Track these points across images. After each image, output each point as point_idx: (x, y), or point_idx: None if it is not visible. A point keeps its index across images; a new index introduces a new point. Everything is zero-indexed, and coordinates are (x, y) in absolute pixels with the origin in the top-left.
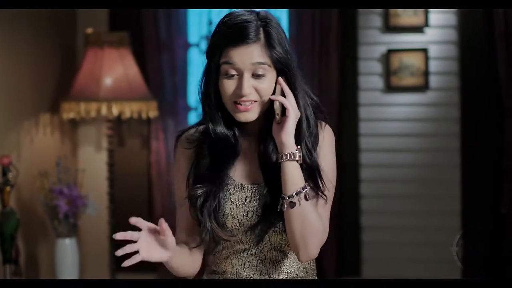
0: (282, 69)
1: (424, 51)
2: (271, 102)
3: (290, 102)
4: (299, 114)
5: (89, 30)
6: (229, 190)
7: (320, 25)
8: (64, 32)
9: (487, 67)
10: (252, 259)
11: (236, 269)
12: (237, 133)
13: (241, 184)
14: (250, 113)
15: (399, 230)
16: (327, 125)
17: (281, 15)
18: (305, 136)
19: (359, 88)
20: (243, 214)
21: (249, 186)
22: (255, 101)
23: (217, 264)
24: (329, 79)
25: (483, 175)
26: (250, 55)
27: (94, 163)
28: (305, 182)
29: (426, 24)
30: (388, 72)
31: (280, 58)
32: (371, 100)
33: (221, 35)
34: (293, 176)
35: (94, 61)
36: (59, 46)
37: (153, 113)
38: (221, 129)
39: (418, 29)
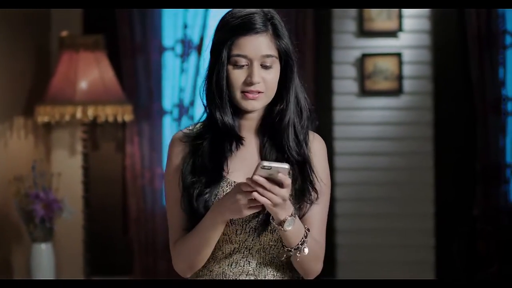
0: (287, 60)
1: (398, 55)
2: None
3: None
4: (279, 202)
5: (64, 33)
6: (222, 187)
7: (295, 29)
8: (37, 35)
9: (460, 72)
10: (240, 259)
11: (222, 268)
12: (238, 126)
13: (234, 182)
14: (257, 102)
15: (374, 233)
16: (316, 134)
17: None
18: (295, 128)
19: (334, 92)
20: None
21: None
22: (261, 92)
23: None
24: (304, 82)
25: (456, 177)
26: (260, 46)
27: (67, 167)
28: (296, 178)
29: (400, 28)
30: (362, 76)
31: (287, 50)
32: (345, 104)
33: (230, 27)
34: (294, 231)
35: (69, 64)
36: (33, 49)
37: (128, 117)
38: (228, 119)
39: (392, 34)
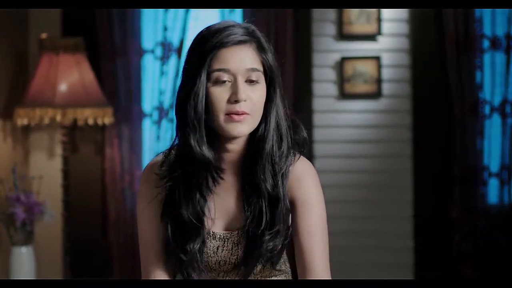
0: (271, 77)
1: (377, 59)
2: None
3: None
4: None
5: (44, 35)
6: (206, 243)
7: (275, 32)
8: (15, 37)
9: (438, 75)
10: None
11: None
12: (218, 160)
13: (212, 232)
14: (243, 126)
15: (352, 235)
16: (302, 157)
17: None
18: (273, 158)
19: (314, 95)
20: (215, 263)
21: (220, 233)
22: (247, 114)
23: None
24: (284, 86)
25: (435, 180)
26: (244, 59)
27: (47, 170)
28: (265, 213)
29: (379, 32)
30: (342, 79)
31: (272, 65)
32: (325, 107)
33: (208, 41)
34: None
35: (49, 66)
36: (10, 51)
37: (108, 120)
38: (206, 148)
39: (371, 37)
